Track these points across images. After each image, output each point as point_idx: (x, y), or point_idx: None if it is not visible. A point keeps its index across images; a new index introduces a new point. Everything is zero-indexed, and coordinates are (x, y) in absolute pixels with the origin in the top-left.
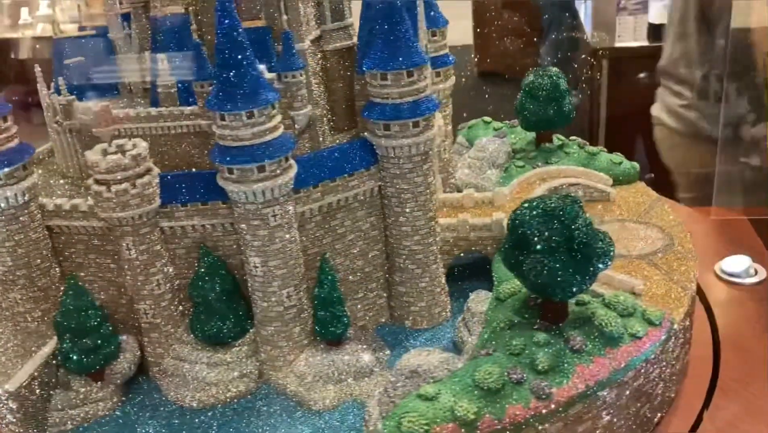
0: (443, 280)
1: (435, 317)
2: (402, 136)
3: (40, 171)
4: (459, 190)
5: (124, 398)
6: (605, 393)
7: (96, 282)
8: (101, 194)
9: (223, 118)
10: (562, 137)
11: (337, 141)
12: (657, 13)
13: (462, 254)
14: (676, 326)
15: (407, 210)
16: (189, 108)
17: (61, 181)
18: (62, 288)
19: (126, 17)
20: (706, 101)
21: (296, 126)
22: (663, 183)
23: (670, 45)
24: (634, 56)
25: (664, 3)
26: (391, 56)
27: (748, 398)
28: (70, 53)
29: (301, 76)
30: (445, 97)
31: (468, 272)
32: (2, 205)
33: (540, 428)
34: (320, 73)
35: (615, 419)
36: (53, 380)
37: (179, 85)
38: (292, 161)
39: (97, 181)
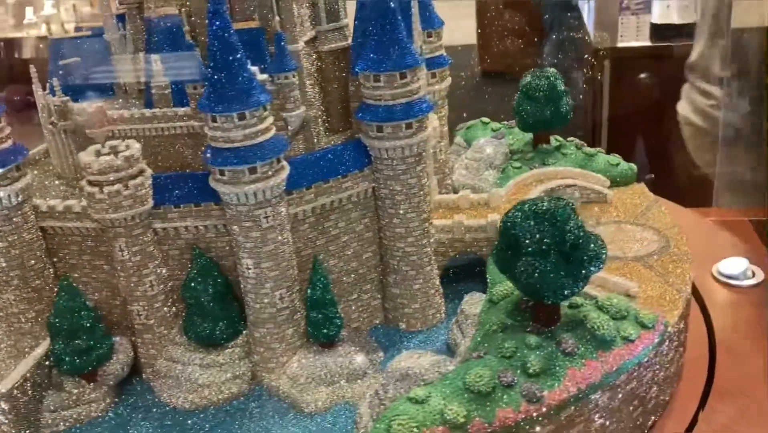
0: (437, 282)
1: (429, 318)
2: (395, 138)
3: (35, 172)
4: (456, 191)
5: (117, 400)
6: (597, 396)
7: (90, 283)
8: (94, 195)
9: (214, 120)
10: (560, 138)
11: (333, 142)
12: (660, 13)
13: (457, 256)
14: (669, 329)
15: (401, 212)
16: (182, 109)
17: (57, 182)
18: (56, 289)
19: (122, 18)
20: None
21: (289, 128)
22: (664, 184)
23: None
24: (637, 56)
25: (667, 3)
26: (383, 58)
27: (744, 401)
28: (66, 54)
29: (293, 77)
30: (440, 98)
31: (463, 274)
32: None
33: (531, 431)
34: (315, 74)
35: (608, 423)
36: (46, 381)
37: (173, 86)
38: (284, 163)
39: (90, 183)
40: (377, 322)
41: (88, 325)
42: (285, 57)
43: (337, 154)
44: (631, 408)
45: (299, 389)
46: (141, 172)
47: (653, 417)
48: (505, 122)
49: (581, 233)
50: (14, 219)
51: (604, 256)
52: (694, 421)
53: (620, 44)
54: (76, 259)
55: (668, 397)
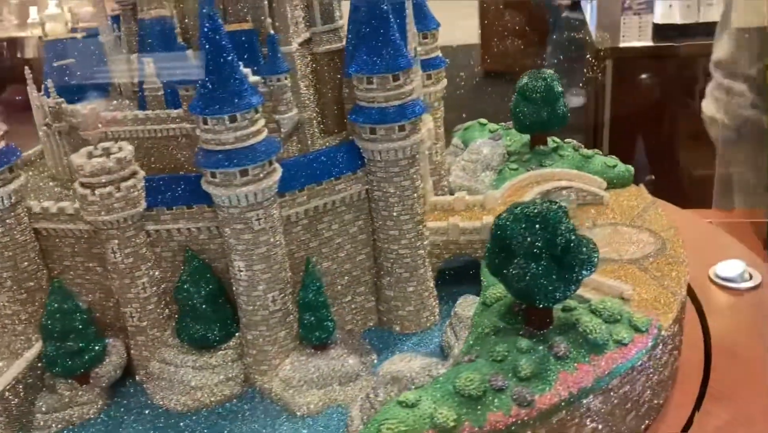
0: (431, 284)
1: (423, 321)
2: (388, 140)
3: (31, 173)
4: (453, 193)
5: (109, 401)
6: (589, 401)
7: (84, 285)
8: (86, 197)
9: (206, 122)
10: (558, 140)
11: (328, 144)
12: (662, 13)
13: (452, 258)
14: (663, 333)
15: (394, 214)
16: (175, 111)
17: (51, 183)
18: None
19: (117, 19)
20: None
21: (282, 130)
22: (666, 185)
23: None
24: (639, 56)
25: (670, 3)
26: (376, 60)
27: (739, 405)
28: (60, 55)
29: (286, 79)
30: (436, 99)
31: (458, 276)
32: None
33: None
34: (310, 76)
35: (600, 427)
36: (39, 383)
37: (167, 88)
38: (276, 165)
39: (82, 185)
40: (371, 324)
41: (80, 327)
42: (277, 59)
43: (330, 157)
44: (624, 412)
45: (291, 392)
46: (133, 174)
47: (647, 421)
48: (503, 123)
49: (573, 237)
50: (7, 221)
51: (595, 259)
52: (688, 425)
53: (622, 44)
54: (70, 260)
55: (662, 401)
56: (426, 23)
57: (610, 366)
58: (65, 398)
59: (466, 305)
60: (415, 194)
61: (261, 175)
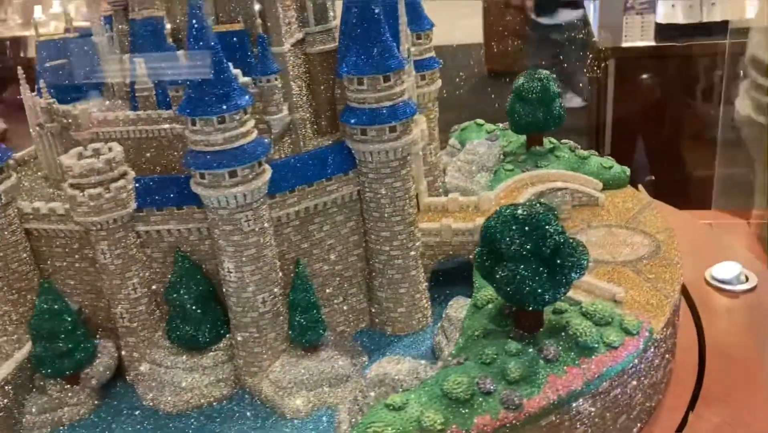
0: (424, 285)
1: (415, 323)
2: (379, 141)
3: (24, 173)
4: (449, 194)
5: (100, 402)
6: (579, 404)
7: (75, 286)
8: (75, 198)
9: (194, 123)
10: (554, 140)
11: (320, 145)
12: (665, 13)
13: (445, 259)
14: (655, 336)
15: (386, 215)
16: (166, 112)
17: (44, 183)
18: None
19: (110, 19)
20: None
21: (273, 131)
22: (668, 185)
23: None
24: (641, 56)
25: (672, 3)
26: (367, 61)
27: (733, 408)
28: (53, 55)
29: (276, 80)
30: (430, 100)
31: (452, 277)
32: None
33: None
34: (302, 76)
35: (590, 431)
36: (28, 383)
37: (159, 88)
38: (266, 166)
39: (72, 185)
40: (363, 326)
41: (69, 327)
42: (267, 60)
43: (321, 157)
44: (615, 415)
45: (281, 394)
46: (123, 175)
47: (639, 424)
48: (500, 124)
49: (562, 239)
50: None
51: (585, 262)
52: (681, 427)
53: (625, 44)
54: (61, 261)
55: (655, 404)
56: (420, 24)
57: (600, 369)
58: (55, 399)
59: (458, 307)
60: (407, 196)
61: (250, 176)
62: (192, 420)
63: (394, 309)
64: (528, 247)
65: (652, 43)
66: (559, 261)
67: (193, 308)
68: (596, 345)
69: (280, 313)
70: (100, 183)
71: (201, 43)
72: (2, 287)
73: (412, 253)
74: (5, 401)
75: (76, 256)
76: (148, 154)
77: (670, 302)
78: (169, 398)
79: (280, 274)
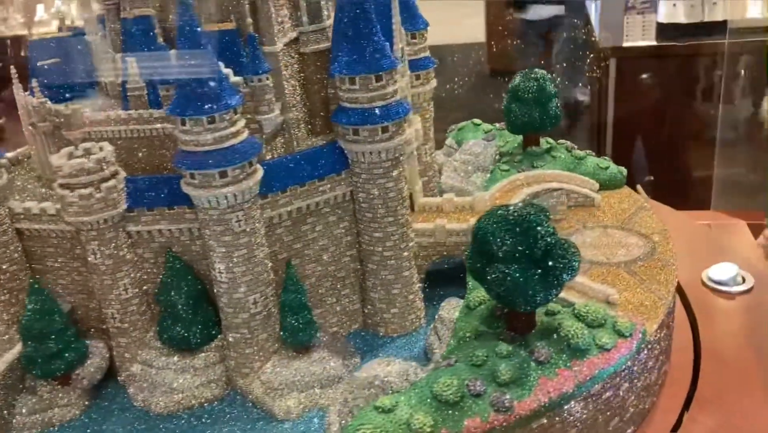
0: (417, 286)
1: (408, 324)
2: (371, 141)
3: (18, 173)
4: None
5: (91, 403)
6: (570, 406)
7: (67, 286)
8: (66, 198)
9: (184, 123)
10: (551, 140)
11: (314, 145)
12: (667, 12)
13: (439, 260)
14: (648, 338)
15: (378, 216)
16: (158, 111)
17: (38, 183)
18: None
19: (104, 19)
20: None
21: (265, 130)
22: (670, 185)
23: None
24: (643, 56)
25: (674, 2)
26: (358, 60)
27: (726, 411)
28: (46, 54)
29: (267, 80)
30: (425, 100)
31: (447, 278)
32: None
33: None
34: (296, 76)
35: None
36: (19, 384)
37: (151, 88)
38: (257, 166)
39: (62, 185)
40: (356, 326)
41: (59, 328)
42: (258, 59)
43: (314, 158)
44: (608, 418)
45: (272, 395)
46: (114, 174)
47: (632, 427)
48: (497, 124)
49: (553, 240)
50: None
51: (576, 264)
52: (675, 430)
53: (626, 44)
54: (53, 261)
55: (648, 406)
56: (414, 23)
57: (592, 371)
58: (45, 399)
59: (450, 308)
60: (400, 196)
61: (241, 176)
62: (183, 421)
63: (387, 310)
64: (519, 248)
65: (654, 43)
66: (550, 262)
67: (184, 308)
68: (588, 347)
69: (272, 314)
70: (90, 183)
71: (191, 43)
72: None
73: (405, 254)
74: None
75: (68, 256)
76: (140, 154)
77: (664, 304)
78: (160, 399)
79: (272, 275)
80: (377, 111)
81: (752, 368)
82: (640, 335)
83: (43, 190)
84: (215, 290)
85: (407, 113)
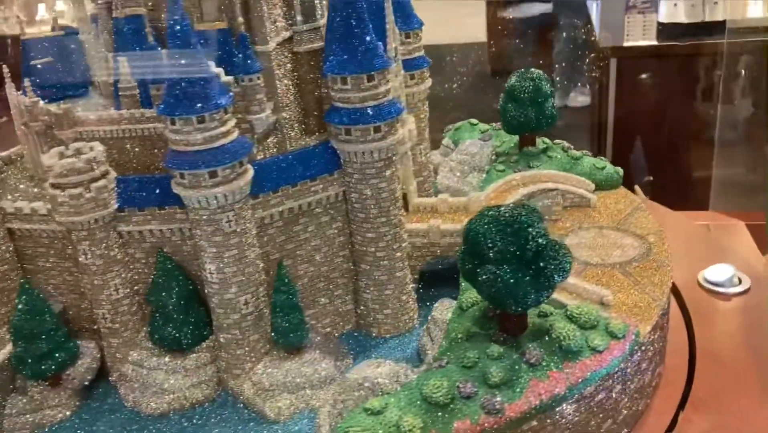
0: (410, 287)
1: (401, 324)
2: (363, 141)
3: (10, 172)
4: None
5: (82, 403)
6: (562, 409)
7: (59, 286)
8: (56, 198)
9: (173, 123)
10: (547, 140)
11: (307, 145)
12: (667, 12)
13: (433, 260)
14: (641, 339)
15: (371, 216)
16: (149, 111)
17: (30, 183)
18: None
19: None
20: None
21: (256, 130)
22: (670, 185)
23: None
24: (643, 56)
25: (675, 2)
26: (350, 60)
27: (721, 412)
28: (38, 54)
29: (258, 79)
30: (420, 100)
31: (441, 279)
32: None
33: None
34: (289, 75)
35: None
36: (9, 385)
37: (143, 87)
38: (248, 166)
39: (53, 185)
40: (349, 327)
41: (50, 328)
42: (249, 58)
43: (306, 158)
44: (600, 420)
45: (263, 396)
46: (105, 174)
47: (626, 429)
48: (494, 124)
49: (544, 242)
50: None
51: (568, 265)
52: (669, 432)
53: (627, 44)
54: (44, 261)
55: (642, 408)
56: (409, 22)
57: (584, 373)
58: (36, 400)
59: (443, 309)
60: (392, 197)
61: (231, 176)
62: (173, 423)
63: (380, 311)
64: (510, 249)
65: (654, 43)
66: (541, 264)
67: (175, 309)
68: (580, 349)
69: (263, 315)
70: (81, 183)
71: (181, 42)
72: None
73: (398, 254)
74: None
75: (60, 256)
76: (133, 154)
77: (658, 306)
78: (151, 400)
79: (264, 275)
80: (369, 111)
81: (747, 370)
82: (633, 337)
83: (36, 189)
84: (206, 291)
85: (400, 113)
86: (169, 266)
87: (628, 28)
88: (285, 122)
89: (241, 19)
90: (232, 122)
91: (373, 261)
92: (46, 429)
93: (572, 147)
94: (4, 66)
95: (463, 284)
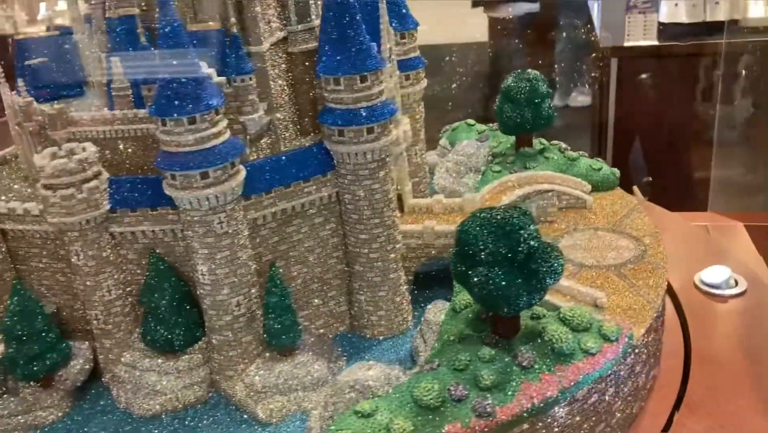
0: (404, 288)
1: (395, 326)
2: (356, 142)
3: (5, 172)
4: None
5: (74, 405)
6: (555, 411)
7: (52, 287)
8: (48, 199)
9: (164, 124)
10: (544, 141)
11: (302, 145)
12: (668, 12)
13: (428, 262)
14: (634, 342)
15: (364, 217)
16: (142, 111)
17: (24, 183)
18: None
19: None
20: None
21: (249, 131)
22: (671, 185)
23: None
24: (644, 56)
25: (675, 2)
26: (343, 61)
27: (715, 415)
28: (33, 54)
29: (250, 80)
30: (415, 101)
31: (436, 280)
32: None
33: None
34: (284, 76)
35: None
36: (1, 386)
37: (136, 88)
38: (240, 167)
39: (44, 186)
40: (343, 329)
41: (41, 329)
42: (241, 59)
43: (299, 158)
44: (593, 424)
45: (255, 398)
46: (97, 175)
47: (619, 432)
48: (491, 124)
49: (536, 244)
50: None
51: (560, 267)
52: None
53: (627, 44)
54: (37, 262)
55: (636, 411)
56: (404, 23)
57: (577, 376)
58: (28, 401)
59: (437, 311)
60: (386, 198)
61: (223, 177)
62: (166, 424)
63: (373, 312)
64: (502, 251)
65: (655, 43)
66: (533, 266)
67: (168, 310)
68: (573, 352)
69: (256, 316)
70: (72, 184)
71: (172, 43)
72: None
73: (392, 255)
74: None
75: (53, 257)
76: (126, 154)
77: (652, 308)
78: (143, 401)
79: (256, 277)
80: (362, 112)
81: (742, 372)
82: (627, 340)
83: (29, 190)
84: (198, 292)
85: (393, 114)
86: (162, 267)
87: (629, 28)
88: (279, 123)
89: (233, 20)
90: (224, 123)
91: (366, 262)
92: (38, 430)
93: (569, 148)
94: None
95: (456, 285)
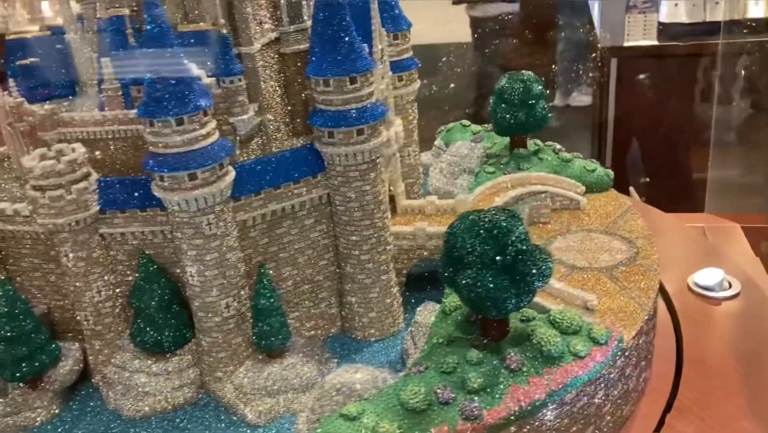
0: (395, 290)
1: (386, 328)
2: (346, 144)
3: None
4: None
5: (64, 406)
6: (542, 415)
7: (42, 287)
8: (37, 200)
9: (152, 124)
10: (539, 142)
11: (292, 147)
12: (668, 12)
13: (420, 263)
14: (624, 345)
15: (355, 219)
16: (132, 112)
17: (15, 184)
18: None
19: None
20: None
21: (239, 132)
22: (670, 186)
23: None
24: (644, 56)
25: (675, 2)
26: (332, 62)
27: (705, 419)
28: (24, 54)
29: (240, 81)
30: (408, 102)
31: (428, 282)
32: None
33: None
34: (275, 77)
35: None
36: None
37: (127, 88)
38: (229, 168)
39: (33, 187)
40: (334, 331)
41: (30, 330)
42: (230, 60)
43: (289, 160)
44: (582, 427)
45: (244, 400)
46: (86, 176)
47: None
48: (486, 125)
49: (524, 246)
50: None
51: (549, 270)
52: None
53: (627, 43)
54: (28, 263)
55: (627, 414)
56: (397, 24)
57: (565, 379)
58: (17, 402)
59: (427, 313)
60: (376, 199)
61: (211, 178)
62: (155, 425)
63: (364, 314)
64: (490, 254)
65: (655, 43)
66: (521, 268)
67: (157, 311)
68: (562, 354)
69: (245, 318)
70: (61, 185)
71: (159, 43)
72: None
73: (383, 257)
74: None
75: (43, 258)
76: (116, 155)
77: (644, 311)
78: (132, 403)
79: (246, 278)
80: (352, 113)
81: (734, 376)
82: (617, 342)
83: (21, 191)
84: (187, 294)
85: (383, 115)
86: (151, 269)
87: (629, 28)
88: (270, 124)
89: (222, 21)
90: (213, 124)
91: (357, 264)
92: (27, 432)
93: (564, 149)
94: None
95: (446, 287)
